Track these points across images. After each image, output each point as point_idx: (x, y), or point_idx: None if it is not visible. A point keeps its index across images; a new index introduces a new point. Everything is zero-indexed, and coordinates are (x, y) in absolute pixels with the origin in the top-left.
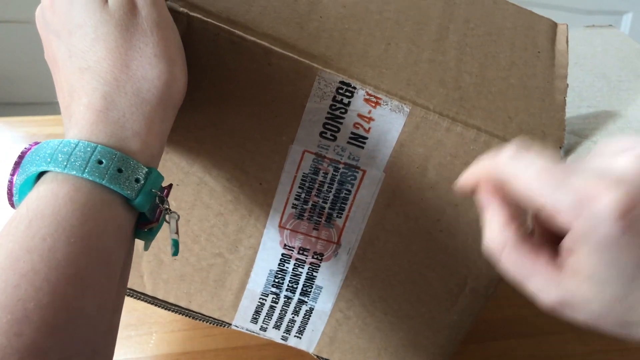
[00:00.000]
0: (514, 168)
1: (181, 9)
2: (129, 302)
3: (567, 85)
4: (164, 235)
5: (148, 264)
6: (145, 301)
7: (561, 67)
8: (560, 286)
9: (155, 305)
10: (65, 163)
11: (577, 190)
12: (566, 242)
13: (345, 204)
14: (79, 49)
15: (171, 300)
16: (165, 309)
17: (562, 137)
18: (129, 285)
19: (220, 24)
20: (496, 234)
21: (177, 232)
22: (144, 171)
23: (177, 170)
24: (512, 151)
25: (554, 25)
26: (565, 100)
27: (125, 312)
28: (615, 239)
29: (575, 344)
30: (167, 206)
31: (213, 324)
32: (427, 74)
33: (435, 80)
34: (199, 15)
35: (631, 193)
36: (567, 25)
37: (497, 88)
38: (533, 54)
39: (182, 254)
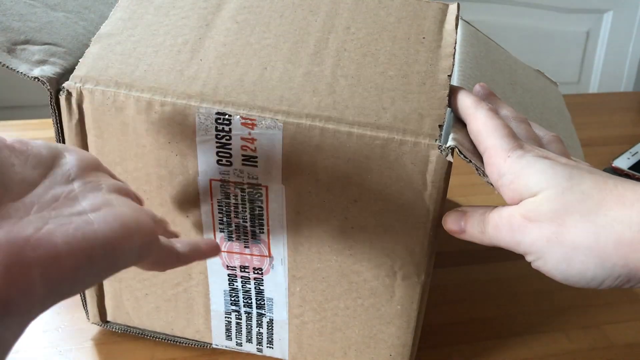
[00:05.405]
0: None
1: (77, 84)
2: None
3: (453, 62)
4: (133, 275)
5: (128, 301)
6: (138, 334)
7: (447, 46)
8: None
9: (147, 336)
10: None
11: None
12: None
13: (262, 219)
14: None
15: (158, 330)
16: (157, 339)
17: (441, 115)
18: (120, 321)
19: (107, 89)
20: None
21: None
22: None
23: None
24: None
25: (445, 7)
26: (449, 77)
27: None
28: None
29: (564, 343)
30: None
31: (198, 347)
32: (301, 87)
33: (308, 92)
34: (89, 86)
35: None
36: (459, 4)
37: (374, 84)
38: (417, 41)
39: (149, 288)
